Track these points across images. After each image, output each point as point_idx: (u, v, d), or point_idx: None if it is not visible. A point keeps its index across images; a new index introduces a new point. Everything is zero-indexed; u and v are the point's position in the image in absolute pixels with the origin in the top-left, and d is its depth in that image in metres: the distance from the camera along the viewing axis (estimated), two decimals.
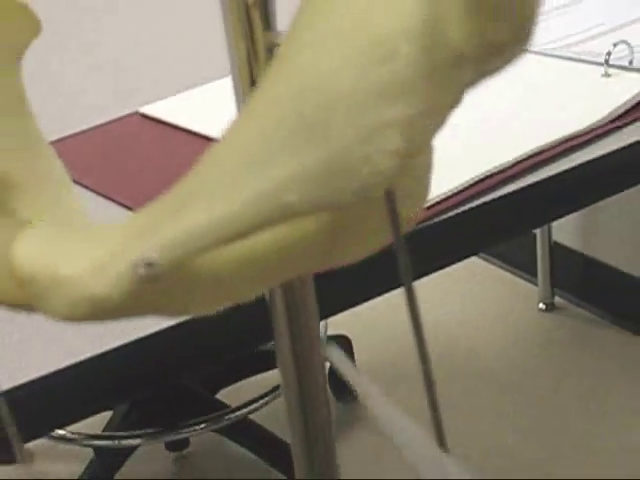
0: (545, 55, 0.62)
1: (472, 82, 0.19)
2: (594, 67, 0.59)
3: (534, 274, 1.58)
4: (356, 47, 0.17)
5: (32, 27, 0.26)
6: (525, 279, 1.63)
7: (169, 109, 0.68)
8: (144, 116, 0.68)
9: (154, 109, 0.68)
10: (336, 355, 0.24)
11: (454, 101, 0.18)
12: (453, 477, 0.19)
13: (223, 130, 0.19)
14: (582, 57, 0.60)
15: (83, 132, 0.66)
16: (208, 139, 0.61)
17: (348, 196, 0.17)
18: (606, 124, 0.52)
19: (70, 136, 0.66)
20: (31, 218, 0.22)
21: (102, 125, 0.67)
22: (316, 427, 0.37)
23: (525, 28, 0.19)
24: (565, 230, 1.54)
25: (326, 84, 0.17)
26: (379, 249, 0.24)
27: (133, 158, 0.61)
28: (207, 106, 0.68)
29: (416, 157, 0.18)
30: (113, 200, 0.55)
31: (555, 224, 1.50)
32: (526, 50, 0.19)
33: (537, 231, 1.52)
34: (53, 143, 0.27)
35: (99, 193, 0.56)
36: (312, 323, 0.35)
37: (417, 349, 0.24)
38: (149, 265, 0.17)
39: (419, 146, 0.18)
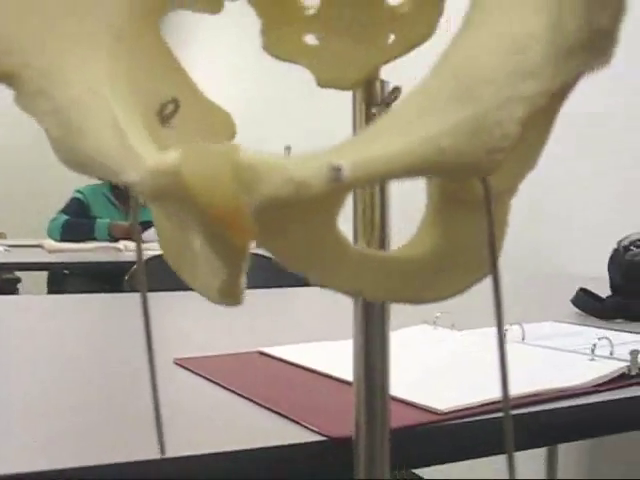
0: (544, 347, 0.87)
1: (581, 70, 0.25)
2: (583, 355, 0.80)
3: None
4: (499, 42, 0.24)
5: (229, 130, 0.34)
6: None
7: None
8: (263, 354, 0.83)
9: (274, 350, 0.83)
10: None
11: (567, 85, 0.24)
12: None
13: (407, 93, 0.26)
14: (573, 349, 0.84)
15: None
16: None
17: (483, 153, 0.23)
18: (590, 387, 0.69)
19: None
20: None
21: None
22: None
23: (620, 16, 0.24)
24: None
25: (478, 64, 0.24)
26: (476, 284, 0.29)
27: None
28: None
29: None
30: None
31: None
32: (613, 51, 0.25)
33: None
34: None
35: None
36: None
37: None
38: (338, 169, 0.22)
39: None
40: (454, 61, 0.24)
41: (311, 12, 0.35)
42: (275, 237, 0.25)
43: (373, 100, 0.37)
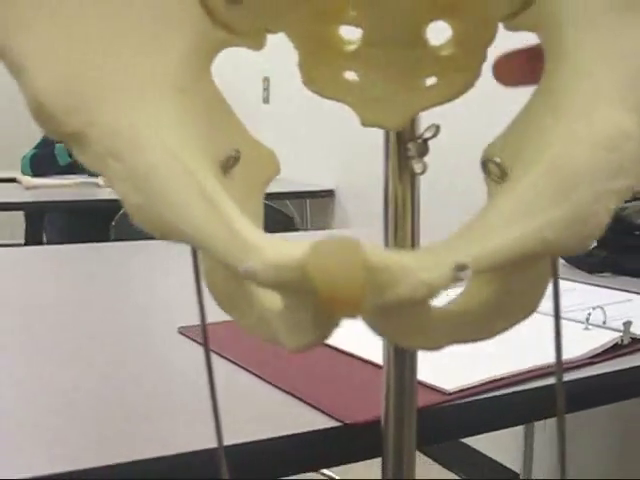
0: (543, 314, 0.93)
1: None
2: (578, 324, 0.83)
3: None
4: (592, 140, 0.26)
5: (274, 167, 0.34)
6: None
7: None
8: None
9: None
10: None
11: None
12: None
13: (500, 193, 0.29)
14: (570, 317, 0.86)
15: None
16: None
17: (578, 240, 0.26)
18: (586, 359, 0.73)
19: None
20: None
21: None
22: None
23: None
24: None
25: (572, 163, 0.26)
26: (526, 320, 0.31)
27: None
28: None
29: None
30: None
31: None
32: None
33: None
34: None
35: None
36: None
37: None
38: (464, 267, 0.24)
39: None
40: (550, 154, 0.27)
41: (352, 47, 0.34)
42: (380, 317, 0.26)
43: (406, 135, 0.37)
